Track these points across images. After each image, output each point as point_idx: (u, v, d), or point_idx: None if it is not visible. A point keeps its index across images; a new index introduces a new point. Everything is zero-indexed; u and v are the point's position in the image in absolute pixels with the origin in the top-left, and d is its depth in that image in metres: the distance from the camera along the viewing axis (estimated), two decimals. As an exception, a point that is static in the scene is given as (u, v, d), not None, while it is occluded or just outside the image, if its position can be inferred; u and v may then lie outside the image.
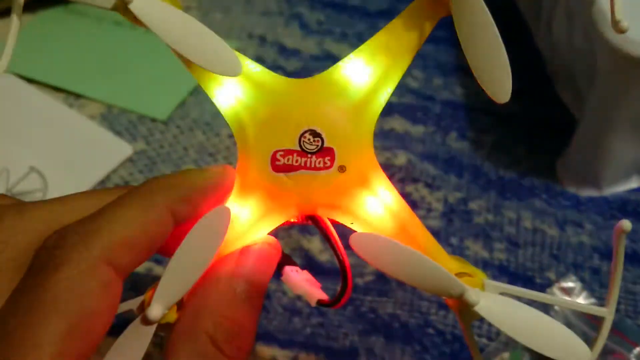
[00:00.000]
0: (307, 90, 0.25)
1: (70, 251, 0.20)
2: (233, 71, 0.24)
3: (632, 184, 0.48)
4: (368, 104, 0.25)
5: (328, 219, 0.26)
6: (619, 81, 0.42)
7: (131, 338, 0.22)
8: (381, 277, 0.43)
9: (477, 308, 0.23)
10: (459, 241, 0.45)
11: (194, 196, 0.24)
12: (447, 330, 0.40)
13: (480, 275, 0.25)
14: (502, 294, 0.25)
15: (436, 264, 0.23)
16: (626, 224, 0.25)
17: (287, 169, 0.25)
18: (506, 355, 0.37)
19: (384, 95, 0.26)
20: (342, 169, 0.25)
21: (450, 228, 0.46)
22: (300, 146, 0.25)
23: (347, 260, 0.26)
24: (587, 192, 0.48)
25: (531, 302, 0.25)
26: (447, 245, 0.45)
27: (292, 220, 0.26)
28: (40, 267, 0.21)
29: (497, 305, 0.23)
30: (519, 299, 0.24)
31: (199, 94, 0.55)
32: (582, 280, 0.43)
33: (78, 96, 0.55)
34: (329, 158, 0.25)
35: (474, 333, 0.40)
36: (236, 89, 0.25)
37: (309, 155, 0.25)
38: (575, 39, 0.45)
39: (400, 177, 0.49)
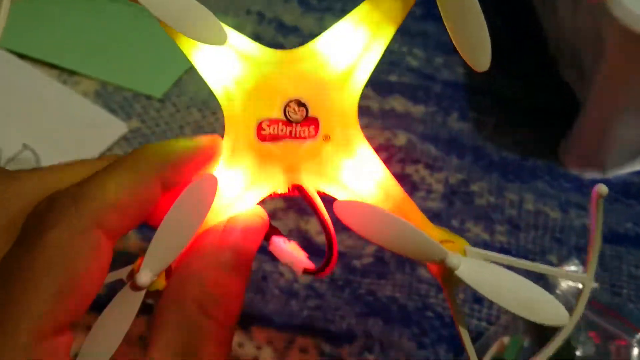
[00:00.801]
0: (293, 61, 0.25)
1: (60, 215, 0.21)
2: (218, 40, 0.24)
3: (637, 166, 0.47)
4: (352, 75, 0.25)
5: (316, 191, 0.26)
6: (626, 60, 0.41)
7: (120, 305, 0.22)
8: (380, 259, 0.42)
9: (458, 272, 0.23)
10: (459, 223, 0.45)
11: (182, 164, 0.24)
12: (446, 314, 0.40)
13: (462, 242, 0.25)
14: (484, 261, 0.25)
15: (418, 229, 0.23)
16: (602, 188, 0.25)
17: (273, 138, 0.25)
18: (506, 339, 0.37)
19: (369, 66, 0.26)
20: (326, 138, 0.25)
21: (451, 210, 0.45)
22: (286, 116, 0.25)
23: (333, 230, 0.25)
24: (590, 175, 0.47)
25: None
26: (448, 227, 0.44)
27: (279, 192, 0.26)
28: (31, 231, 0.21)
29: (478, 269, 0.23)
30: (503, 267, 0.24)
31: (195, 72, 0.54)
32: (584, 263, 0.42)
33: (72, 73, 0.53)
34: (313, 127, 0.25)
35: (475, 317, 0.39)
36: (222, 60, 0.25)
37: (294, 125, 0.25)
38: (581, 18, 0.44)
39: (400, 158, 0.48)
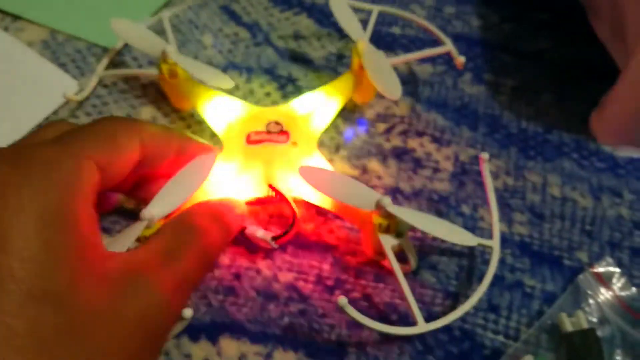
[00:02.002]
0: (274, 108, 0.38)
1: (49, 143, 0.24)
2: (228, 85, 0.37)
3: (680, 143, 0.40)
4: (312, 115, 0.37)
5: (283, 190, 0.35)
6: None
7: (125, 234, 0.28)
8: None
9: (389, 208, 0.31)
10: (471, 210, 0.37)
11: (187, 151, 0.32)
12: (455, 325, 0.33)
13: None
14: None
15: (361, 183, 0.32)
16: (485, 155, 0.35)
17: (257, 142, 0.36)
18: (529, 358, 0.30)
19: (326, 114, 0.38)
20: (294, 144, 0.36)
21: (462, 193, 0.38)
22: (267, 129, 0.36)
23: (295, 209, 0.35)
24: (626, 152, 0.40)
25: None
26: (458, 214, 0.37)
27: (258, 196, 0.35)
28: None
29: (406, 211, 0.32)
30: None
31: (161, 19, 0.46)
32: (619, 263, 0.35)
33: (15, 18, 0.45)
34: (285, 136, 0.36)
35: (490, 329, 0.33)
36: (228, 105, 0.38)
37: (272, 134, 0.36)
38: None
39: (402, 130, 0.41)
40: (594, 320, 0.33)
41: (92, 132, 0.26)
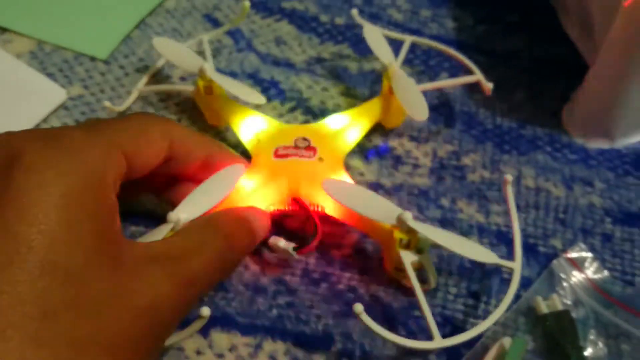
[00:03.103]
0: (304, 126, 0.40)
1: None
2: (261, 101, 0.39)
3: (648, 134, 0.42)
4: (342, 134, 0.39)
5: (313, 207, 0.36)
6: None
7: (152, 234, 0.30)
8: (361, 251, 0.37)
9: (410, 223, 0.31)
10: (450, 203, 0.39)
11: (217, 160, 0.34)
12: (436, 312, 0.34)
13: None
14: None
15: (383, 198, 0.33)
16: (509, 176, 0.35)
17: (284, 156, 0.36)
18: (507, 341, 0.32)
19: (353, 135, 0.39)
20: (321, 159, 0.36)
21: (441, 187, 0.40)
22: (295, 144, 0.37)
23: (318, 223, 0.35)
24: (597, 144, 0.42)
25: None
26: (437, 207, 0.39)
27: (282, 207, 0.36)
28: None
29: (428, 227, 0.32)
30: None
31: (147, 27, 0.47)
32: (592, 248, 0.37)
33: (3, 30, 0.46)
34: (312, 152, 0.36)
35: (470, 314, 0.34)
36: (260, 121, 0.39)
37: (299, 149, 0.36)
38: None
39: (382, 132, 0.42)
40: (568, 302, 0.34)
41: (123, 123, 0.27)
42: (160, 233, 0.30)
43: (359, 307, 0.29)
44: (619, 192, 0.39)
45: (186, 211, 0.31)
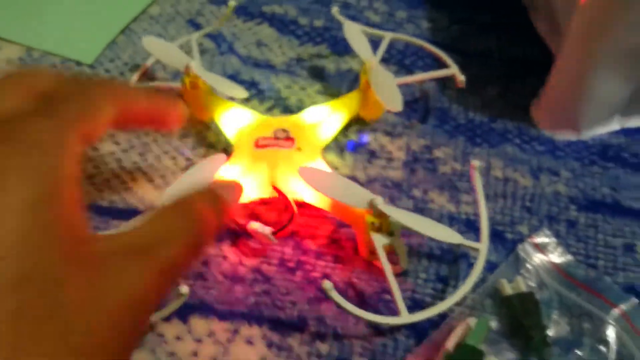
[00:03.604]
0: (283, 118, 0.41)
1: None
2: (243, 95, 0.42)
3: (614, 125, 0.44)
4: (319, 126, 0.41)
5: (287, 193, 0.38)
6: (603, 10, 0.36)
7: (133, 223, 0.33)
8: (336, 241, 0.38)
9: (382, 208, 0.33)
10: (422, 193, 0.41)
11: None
12: (407, 296, 0.36)
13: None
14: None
15: (355, 184, 0.35)
16: (476, 162, 0.38)
17: (264, 146, 0.39)
18: (472, 320, 0.33)
19: (331, 126, 0.41)
20: (299, 149, 0.38)
21: (413, 179, 0.41)
22: (274, 135, 0.39)
23: (294, 207, 0.37)
24: (564, 136, 0.43)
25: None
26: (410, 198, 0.40)
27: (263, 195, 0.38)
28: None
29: (397, 210, 0.34)
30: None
31: (131, 33, 0.49)
32: (557, 234, 0.38)
33: (-6, 38, 0.48)
34: (290, 142, 0.39)
35: (438, 298, 0.36)
36: (243, 114, 0.41)
37: (278, 140, 0.39)
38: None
39: (357, 129, 0.44)
40: (533, 285, 0.36)
41: (74, 101, 0.25)
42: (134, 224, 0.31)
43: (327, 284, 0.31)
44: (584, 180, 0.41)
45: (171, 198, 0.33)
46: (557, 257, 0.37)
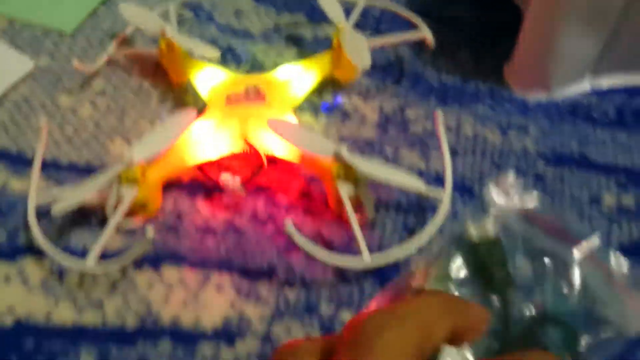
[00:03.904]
0: (255, 76, 0.43)
1: None
2: (216, 55, 0.44)
3: (585, 85, 0.44)
4: (291, 83, 0.42)
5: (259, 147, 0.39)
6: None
7: (103, 176, 0.35)
8: (306, 195, 0.39)
9: (346, 157, 0.34)
10: (393, 151, 0.41)
11: None
12: (374, 245, 0.37)
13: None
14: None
15: (321, 135, 0.38)
16: (439, 113, 0.40)
17: (235, 101, 0.40)
18: (439, 263, 0.34)
19: (303, 85, 0.42)
20: (268, 104, 0.40)
21: (385, 138, 0.42)
22: (245, 92, 0.40)
23: (264, 159, 0.38)
24: (535, 95, 0.44)
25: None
26: (381, 156, 0.41)
27: (235, 150, 0.39)
28: None
29: (361, 159, 0.35)
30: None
31: (111, 4, 0.50)
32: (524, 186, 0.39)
33: (-22, 10, 0.49)
34: (261, 98, 0.40)
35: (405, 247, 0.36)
36: (216, 73, 0.43)
37: (250, 95, 0.40)
38: None
39: (332, 90, 0.45)
40: (498, 228, 0.36)
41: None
42: (112, 173, 0.34)
43: (289, 226, 0.31)
44: (552, 137, 0.42)
45: (140, 152, 0.35)
46: (521, 200, 0.37)
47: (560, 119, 0.43)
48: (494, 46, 0.47)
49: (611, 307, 0.33)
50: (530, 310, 0.33)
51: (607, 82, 0.44)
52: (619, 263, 0.34)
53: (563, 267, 0.35)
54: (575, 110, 0.43)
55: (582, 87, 0.44)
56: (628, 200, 0.39)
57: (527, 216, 0.37)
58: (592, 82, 0.44)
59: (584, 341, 0.32)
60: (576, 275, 0.34)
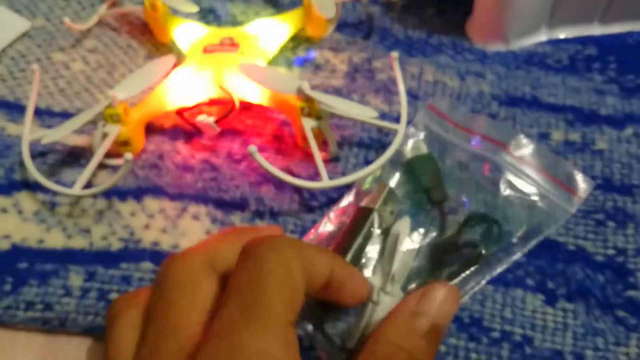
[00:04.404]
0: (230, 29, 0.46)
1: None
2: (194, 9, 0.46)
3: (541, 36, 0.47)
4: (264, 35, 0.45)
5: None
6: None
7: (86, 113, 0.39)
8: (279, 137, 0.43)
9: (308, 92, 0.38)
10: (360, 97, 0.45)
11: None
12: (337, 176, 0.40)
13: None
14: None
15: (287, 74, 0.43)
16: (394, 53, 0.43)
17: (211, 50, 0.43)
18: (382, 184, 0.37)
19: (275, 37, 0.46)
20: (242, 52, 0.43)
21: (353, 86, 0.45)
22: (220, 42, 0.44)
23: (236, 101, 0.42)
24: (494, 47, 0.47)
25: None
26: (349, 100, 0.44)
27: (211, 96, 0.43)
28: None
29: (323, 94, 0.39)
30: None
31: (102, -30, 0.53)
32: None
33: (-23, -23, 0.53)
34: (235, 47, 0.43)
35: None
36: (195, 28, 0.46)
37: (224, 46, 0.44)
38: None
39: (305, 47, 0.48)
40: (433, 145, 0.40)
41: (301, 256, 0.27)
42: (94, 110, 0.38)
43: (252, 147, 0.35)
44: (507, 81, 0.45)
45: (122, 91, 0.39)
46: (453, 112, 0.41)
47: (515, 66, 0.46)
48: (459, 3, 0.50)
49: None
50: (462, 213, 0.36)
51: (562, 34, 0.47)
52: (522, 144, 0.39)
53: (493, 170, 0.38)
54: (531, 58, 0.46)
55: (538, 38, 0.47)
56: (574, 136, 0.42)
57: (458, 127, 0.40)
58: (548, 34, 0.47)
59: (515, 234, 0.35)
60: (505, 177, 0.38)
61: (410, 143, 0.40)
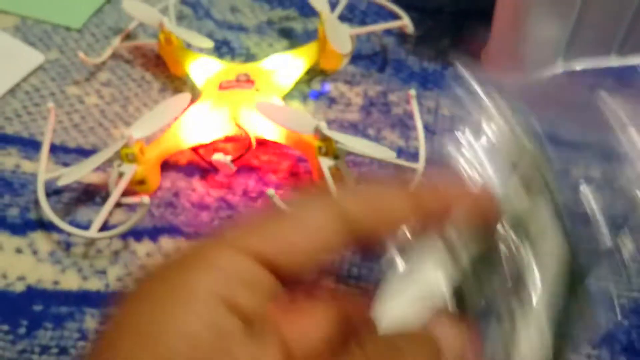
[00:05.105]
0: (245, 65, 0.47)
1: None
2: (209, 45, 0.47)
3: (557, 68, 0.47)
4: (279, 71, 0.45)
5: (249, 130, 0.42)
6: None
7: (104, 152, 0.39)
8: (295, 174, 0.42)
9: (325, 132, 0.38)
10: (376, 132, 0.44)
11: None
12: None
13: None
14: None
15: (304, 112, 0.42)
16: (412, 91, 0.43)
17: (227, 87, 0.43)
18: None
19: (290, 73, 0.46)
20: (257, 89, 0.43)
21: (368, 120, 0.45)
22: (236, 79, 0.44)
23: (252, 140, 0.42)
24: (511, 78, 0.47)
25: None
26: (364, 136, 0.44)
27: (227, 133, 0.43)
28: None
29: (340, 134, 0.39)
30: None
31: (116, 1, 0.54)
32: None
33: (-8, 10, 0.53)
34: (250, 84, 0.43)
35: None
36: (210, 64, 0.46)
37: (240, 82, 0.44)
38: None
39: (320, 79, 0.48)
40: None
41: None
42: (112, 150, 0.38)
43: (271, 191, 0.35)
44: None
45: (138, 130, 0.38)
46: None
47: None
48: (474, 33, 0.50)
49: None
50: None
51: (577, 65, 0.47)
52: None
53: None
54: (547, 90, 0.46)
55: (555, 70, 0.47)
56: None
57: None
58: (564, 67, 0.47)
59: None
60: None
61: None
